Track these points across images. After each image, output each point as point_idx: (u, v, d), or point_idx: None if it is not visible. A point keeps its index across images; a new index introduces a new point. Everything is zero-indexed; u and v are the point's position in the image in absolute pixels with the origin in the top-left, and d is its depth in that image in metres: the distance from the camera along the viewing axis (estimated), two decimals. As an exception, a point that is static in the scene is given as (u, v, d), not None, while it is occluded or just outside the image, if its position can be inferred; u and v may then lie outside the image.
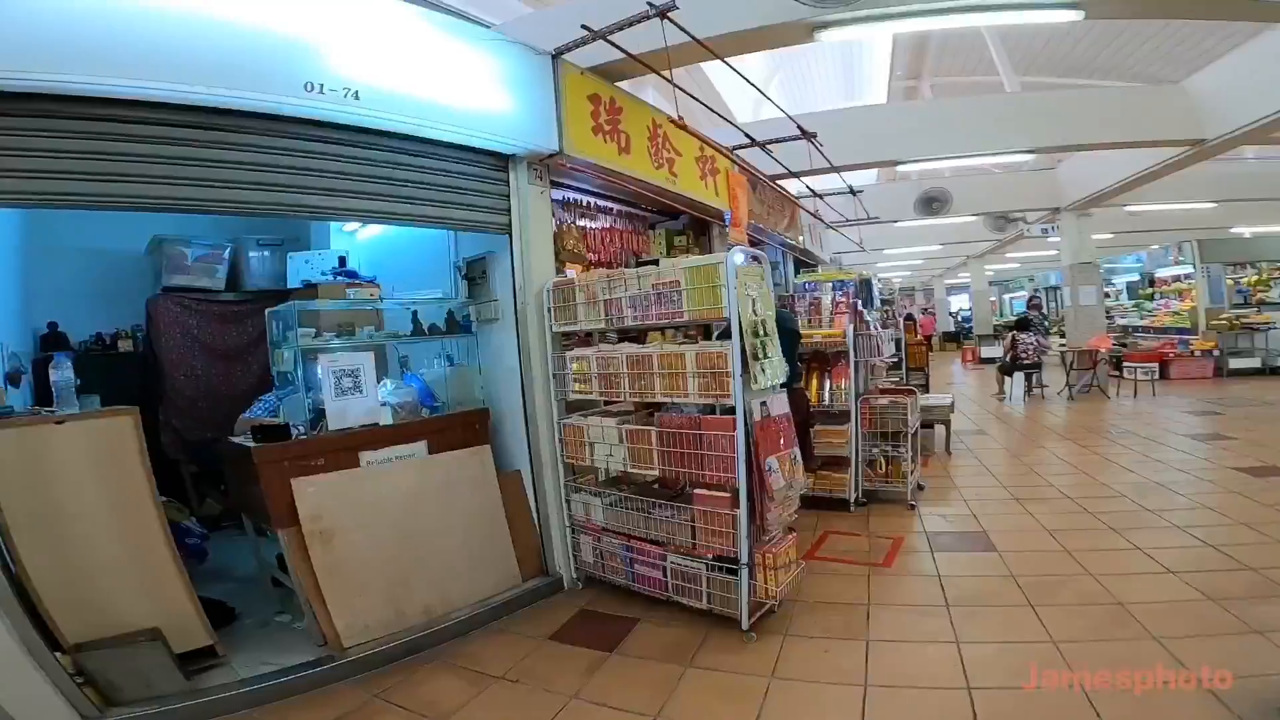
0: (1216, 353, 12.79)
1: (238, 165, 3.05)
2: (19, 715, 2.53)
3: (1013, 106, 8.23)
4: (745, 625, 3.38)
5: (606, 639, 3.55)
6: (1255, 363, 12.58)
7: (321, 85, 3.11)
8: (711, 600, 3.51)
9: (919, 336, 11.87)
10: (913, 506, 5.43)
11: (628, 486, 4.03)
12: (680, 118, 3.78)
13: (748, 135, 6.06)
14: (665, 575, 3.68)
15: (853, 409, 5.46)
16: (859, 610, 3.70)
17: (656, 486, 4.06)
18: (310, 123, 3.19)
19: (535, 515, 4.25)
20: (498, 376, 4.32)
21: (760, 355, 3.20)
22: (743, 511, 3.22)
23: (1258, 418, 8.58)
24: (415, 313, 4.22)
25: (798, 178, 7.30)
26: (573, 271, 4.41)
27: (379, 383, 3.85)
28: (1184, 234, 14.68)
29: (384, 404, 3.80)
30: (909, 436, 5.48)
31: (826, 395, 5.60)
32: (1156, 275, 17.49)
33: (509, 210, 4.07)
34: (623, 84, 4.86)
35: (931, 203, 10.75)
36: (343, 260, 5.30)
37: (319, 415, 3.63)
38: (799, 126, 5.89)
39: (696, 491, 3.43)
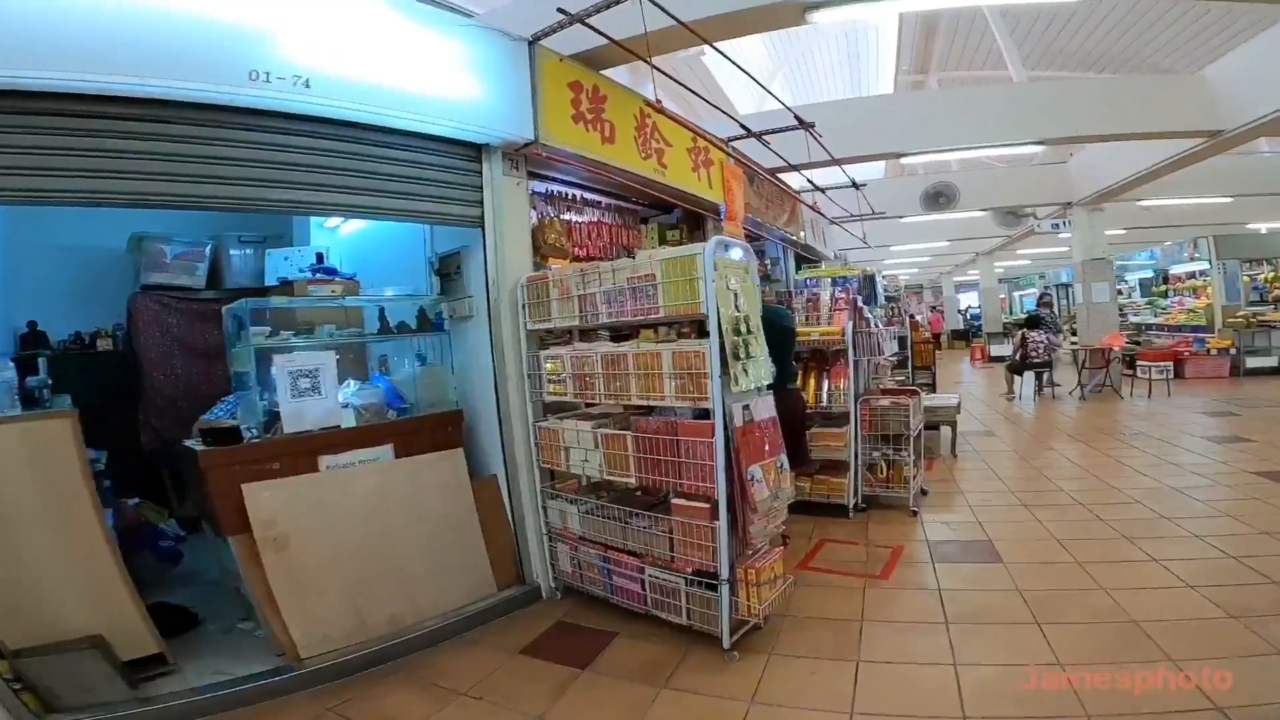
0: (1232, 351, 12.36)
1: (183, 158, 2.89)
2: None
3: (1022, 96, 7.89)
4: (726, 644, 3.13)
5: (580, 654, 3.32)
6: (1272, 361, 12.13)
7: (268, 74, 2.93)
8: (691, 616, 3.26)
9: (925, 334, 11.54)
10: (915, 513, 5.14)
11: (608, 493, 3.78)
12: (659, 101, 3.52)
13: (743, 125, 5.78)
14: (644, 589, 3.43)
15: (852, 410, 5.17)
16: (851, 627, 3.43)
17: (640, 494, 3.81)
18: (260, 113, 3.02)
19: (511, 522, 4.01)
20: (472, 377, 4.08)
21: (742, 355, 2.93)
22: (722, 524, 2.96)
23: (1276, 419, 8.18)
24: (382, 310, 3.99)
25: (797, 171, 7.00)
26: (557, 267, 4.16)
27: (343, 384, 3.62)
28: (1199, 230, 14.24)
29: (346, 406, 3.58)
30: (911, 439, 5.19)
31: (825, 395, 5.32)
32: (1170, 272, 17.03)
33: (481, 202, 3.83)
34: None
35: (938, 197, 10.41)
36: (320, 257, 5.08)
37: (274, 417, 3.41)
38: (795, 116, 5.61)
39: (674, 501, 3.17)
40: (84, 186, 2.73)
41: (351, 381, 3.80)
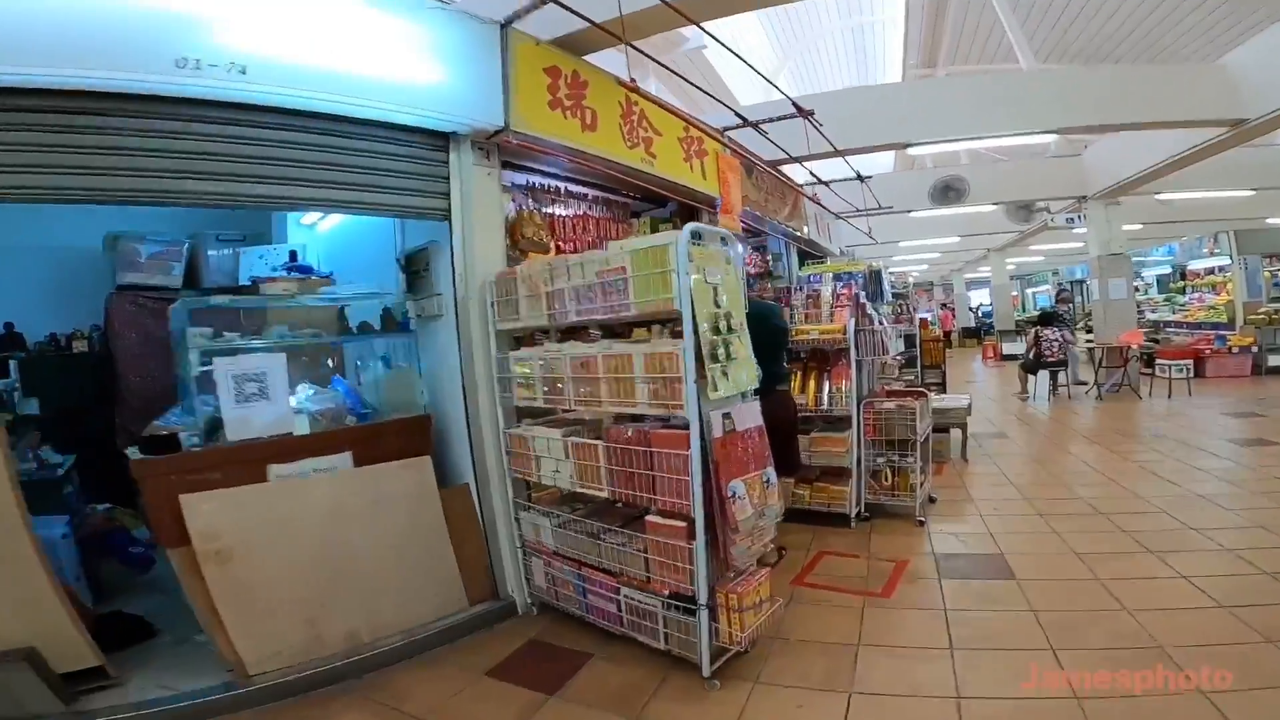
0: (1254, 349, 11.82)
1: (106, 151, 2.67)
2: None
3: (1034, 85, 7.45)
4: (706, 672, 2.80)
5: (551, 678, 3.02)
6: (1296, 360, 11.61)
7: (198, 61, 2.70)
8: (669, 641, 2.94)
9: (935, 332, 11.10)
10: (921, 522, 4.77)
11: (585, 506, 3.46)
12: (633, 80, 3.19)
13: (739, 115, 5.45)
14: (620, 609, 3.11)
15: (854, 414, 4.82)
16: (846, 653, 3.09)
17: (620, 505, 3.48)
18: (192, 102, 2.78)
19: (483, 534, 3.71)
20: (443, 380, 3.78)
21: (722, 356, 2.60)
22: (699, 545, 2.63)
23: (1304, 420, 7.73)
24: (341, 310, 3.69)
25: (799, 163, 6.64)
26: (526, 262, 3.84)
27: (298, 388, 3.34)
28: (1219, 224, 13.68)
29: (300, 411, 3.30)
30: (918, 444, 4.82)
31: (825, 398, 4.97)
32: (1188, 268, 16.44)
33: (448, 194, 3.53)
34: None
35: (947, 191, 9.97)
36: (293, 255, 4.84)
37: (218, 424, 3.13)
38: (794, 104, 5.25)
39: (648, 519, 2.84)
40: (12, 183, 2.52)
41: (307, 386, 3.51)
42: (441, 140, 3.53)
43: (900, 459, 4.87)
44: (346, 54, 3.06)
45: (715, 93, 9.87)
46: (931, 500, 5.26)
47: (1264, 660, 2.71)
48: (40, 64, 2.44)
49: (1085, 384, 10.72)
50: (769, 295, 6.16)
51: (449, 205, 3.53)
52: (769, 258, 8.03)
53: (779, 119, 5.38)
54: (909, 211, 11.05)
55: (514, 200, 4.36)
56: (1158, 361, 10.70)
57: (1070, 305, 12.24)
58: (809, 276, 7.09)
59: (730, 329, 2.66)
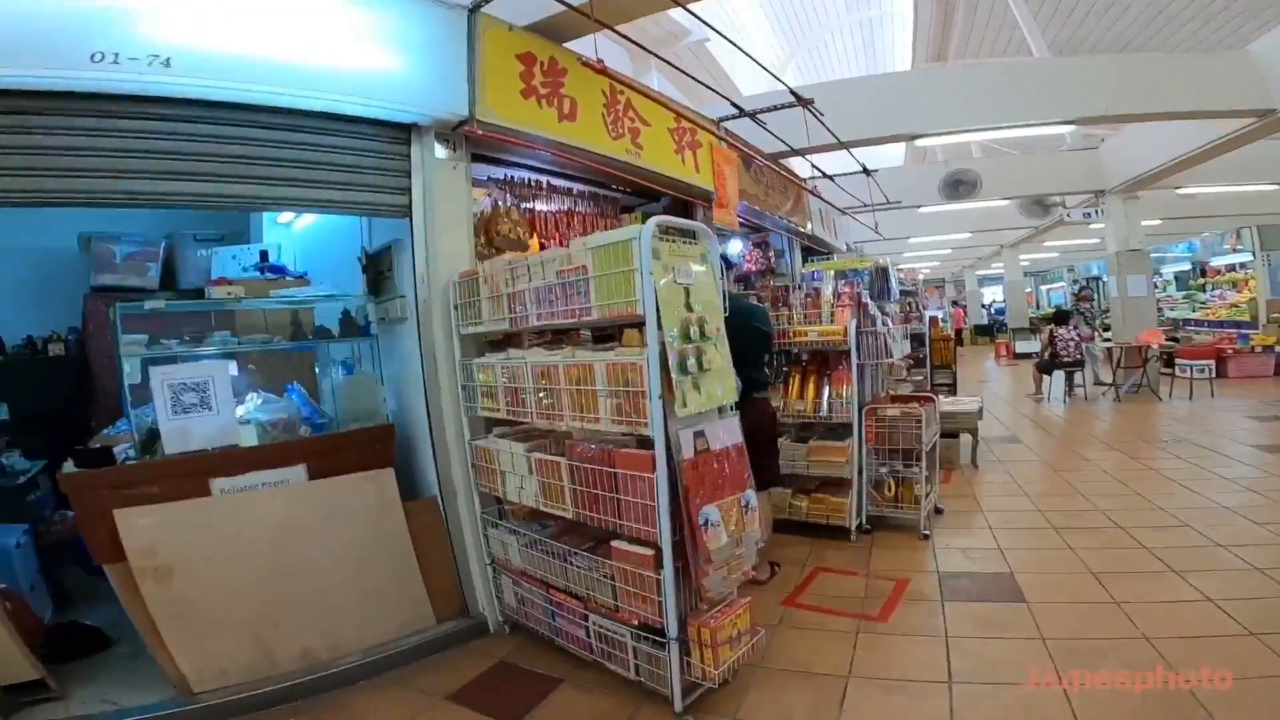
0: (1278, 348, 11.29)
1: (32, 151, 2.50)
2: None
3: (1049, 74, 7.02)
4: (678, 708, 2.51)
5: (515, 705, 2.76)
6: (1322, 359, 11.06)
7: (116, 54, 2.49)
8: (640, 673, 2.64)
9: (946, 331, 10.66)
10: (926, 536, 4.42)
11: (555, 523, 3.16)
12: (600, 61, 2.88)
13: (735, 105, 5.11)
14: (588, 635, 2.82)
15: (854, 421, 4.48)
16: (833, 685, 2.77)
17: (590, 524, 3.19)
18: (114, 98, 2.58)
19: (451, 549, 3.44)
20: (408, 387, 3.49)
21: (693, 367, 2.29)
22: (667, 576, 2.33)
23: (1334, 424, 7.27)
24: (295, 314, 3.42)
25: (801, 155, 6.30)
26: (488, 261, 3.54)
27: (247, 397, 3.08)
28: (1242, 219, 13.11)
29: (248, 422, 3.04)
30: (924, 453, 4.46)
31: (825, 404, 4.63)
32: (1209, 264, 15.84)
33: (409, 189, 3.25)
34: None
35: (958, 185, 9.54)
36: (264, 255, 4.57)
37: (155, 436, 2.89)
38: (793, 92, 4.92)
39: (613, 545, 2.54)
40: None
41: (257, 394, 3.25)
42: (402, 132, 3.26)
43: (905, 469, 4.53)
44: (288, 43, 2.82)
45: (720, 85, 9.56)
46: (938, 511, 4.91)
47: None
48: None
49: (1105, 384, 10.26)
50: (761, 295, 5.75)
51: (409, 201, 3.24)
52: (771, 254, 7.68)
53: (776, 108, 5.04)
54: (918, 207, 10.64)
55: (490, 195, 4.07)
56: (1178, 361, 10.21)
57: (1092, 303, 11.68)
58: (812, 274, 6.77)
59: (705, 335, 2.35)
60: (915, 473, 4.47)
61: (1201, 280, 15.85)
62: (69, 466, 2.88)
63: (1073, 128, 8.20)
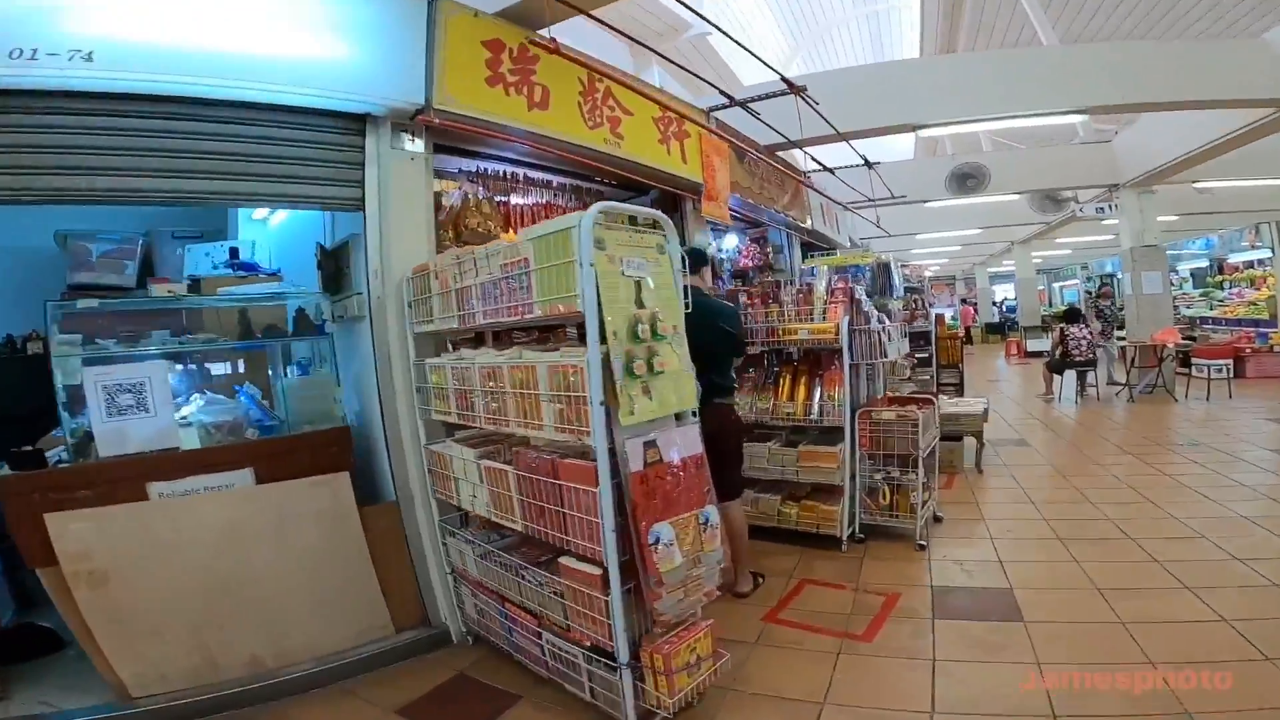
0: (1299, 348, 10.80)
1: None
2: None
3: (1060, 61, 6.63)
4: (635, 736, 2.26)
5: (467, 722, 2.54)
6: (1345, 359, 10.54)
7: (35, 50, 2.37)
8: (595, 696, 2.40)
9: (955, 330, 10.30)
10: (922, 546, 4.13)
11: (514, 533, 2.92)
12: (553, 40, 2.63)
13: (724, 94, 4.84)
14: (543, 653, 2.59)
15: (846, 424, 4.20)
16: (806, 713, 2.51)
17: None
18: (37, 94, 2.45)
19: (410, 557, 3.24)
20: (368, 388, 3.27)
21: (643, 370, 2.04)
22: (615, 598, 2.08)
23: (1360, 426, 6.85)
24: (243, 312, 3.22)
25: (798, 147, 6.00)
26: (439, 255, 3.32)
27: (192, 397, 2.89)
28: (1261, 215, 12.56)
29: (190, 424, 2.85)
30: (920, 459, 4.16)
31: (816, 406, 4.35)
32: (1227, 261, 15.25)
33: (362, 181, 3.03)
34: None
35: (966, 180, 9.16)
36: (234, 252, 4.38)
37: (89, 439, 2.72)
38: (784, 79, 4.64)
39: (561, 562, 2.30)
40: None
41: (201, 395, 3.05)
42: (355, 123, 3.05)
43: (901, 475, 4.24)
44: (223, 32, 2.65)
45: (723, 79, 9.26)
46: (937, 519, 4.61)
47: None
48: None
49: (1119, 384, 9.84)
50: (751, 292, 5.41)
51: (362, 194, 3.02)
52: (769, 250, 7.38)
53: (767, 96, 4.76)
54: (924, 202, 10.25)
55: (461, 188, 3.84)
56: (1194, 361, 9.76)
57: (1112, 300, 11.15)
58: (811, 270, 6.48)
59: (658, 334, 2.09)
60: (910, 480, 4.18)
61: (1219, 277, 15.26)
62: (2, 469, 2.71)
63: (1083, 118, 7.80)
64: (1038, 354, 14.23)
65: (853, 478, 4.24)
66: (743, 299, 4.70)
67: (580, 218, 1.96)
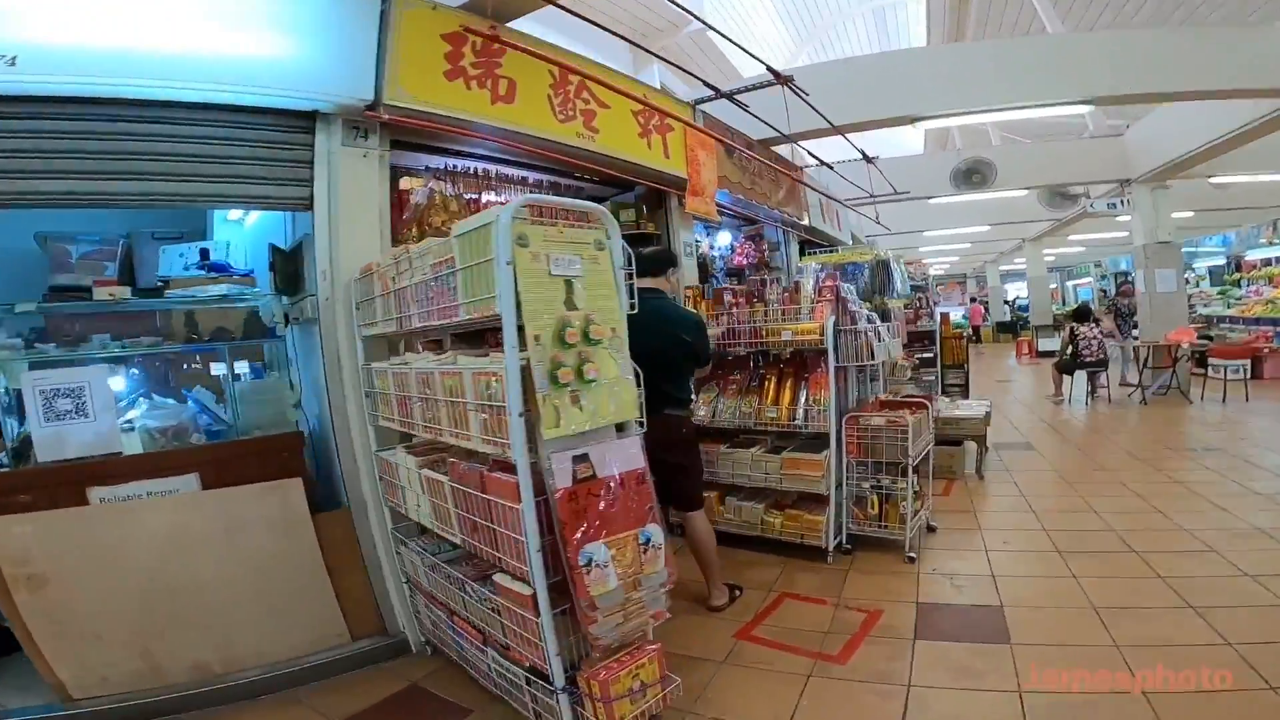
0: (1319, 348, 10.32)
1: None
2: None
3: (1069, 49, 6.32)
4: (577, 766, 2.08)
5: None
6: (1367, 359, 10.05)
7: None
8: (540, 717, 2.22)
9: (962, 329, 9.97)
10: (911, 559, 3.89)
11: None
12: (493, 28, 2.45)
13: (710, 86, 4.64)
14: (489, 670, 2.42)
15: (832, 430, 3.97)
16: (769, 745, 2.32)
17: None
18: None
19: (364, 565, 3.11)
20: (322, 392, 3.12)
21: (569, 379, 1.85)
22: (545, 619, 1.89)
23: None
24: (190, 314, 3.09)
25: (791, 141, 5.78)
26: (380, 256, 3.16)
27: (136, 401, 2.78)
28: (1278, 211, 12.10)
29: (132, 429, 2.74)
30: (911, 467, 3.91)
31: (801, 411, 4.13)
32: (1244, 258, 14.74)
33: (310, 180, 2.89)
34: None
35: (971, 175, 8.85)
36: (204, 253, 4.26)
37: (29, 444, 2.62)
38: (770, 70, 4.42)
39: (496, 579, 2.11)
40: None
41: (146, 400, 2.92)
42: (302, 120, 2.91)
43: (891, 484, 4.01)
44: (156, 32, 2.54)
45: (723, 73, 9.03)
46: (930, 529, 4.36)
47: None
48: None
49: (1131, 386, 9.46)
50: (736, 291, 5.14)
51: (310, 193, 2.88)
52: (765, 247, 7.14)
53: (754, 88, 4.55)
54: (929, 198, 9.93)
55: (427, 185, 3.67)
56: (1210, 361, 9.36)
57: (1132, 298, 10.68)
58: (811, 267, 6.24)
59: (591, 339, 1.90)
60: (899, 490, 3.94)
61: (1236, 275, 14.75)
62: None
63: (1091, 108, 7.48)
64: (1049, 354, 13.82)
65: (839, 486, 4.01)
66: (728, 298, 4.49)
67: (500, 212, 1.77)
